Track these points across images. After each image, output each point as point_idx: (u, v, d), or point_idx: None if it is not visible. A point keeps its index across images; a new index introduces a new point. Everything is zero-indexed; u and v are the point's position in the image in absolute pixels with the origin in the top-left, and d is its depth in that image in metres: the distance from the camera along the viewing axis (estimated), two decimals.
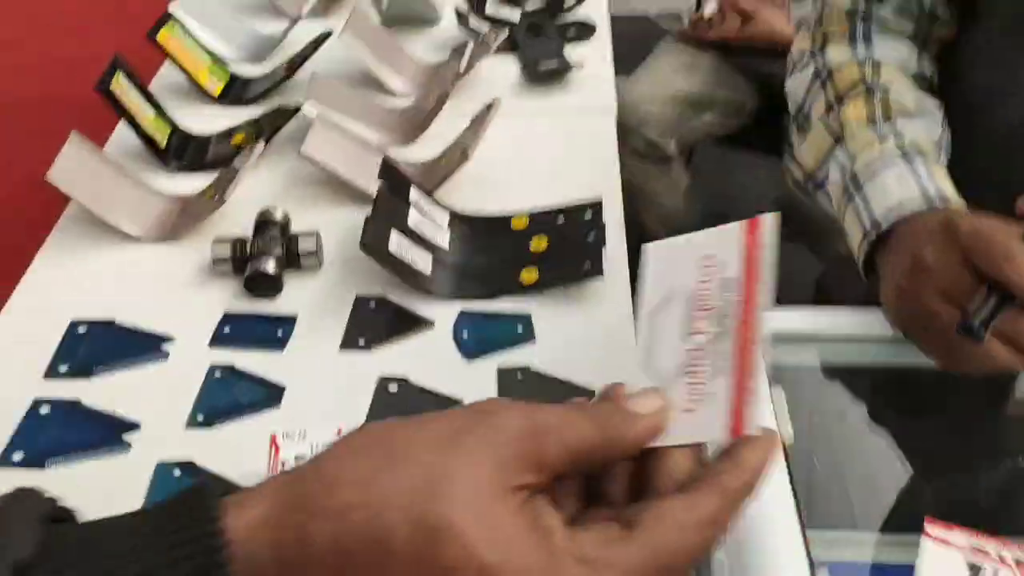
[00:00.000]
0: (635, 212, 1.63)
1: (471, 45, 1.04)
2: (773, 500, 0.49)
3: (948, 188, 0.59)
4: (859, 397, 0.58)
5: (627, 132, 1.50)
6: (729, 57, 1.58)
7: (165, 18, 1.11)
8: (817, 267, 1.40)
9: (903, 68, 0.67)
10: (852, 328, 0.53)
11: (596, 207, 0.91)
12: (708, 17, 1.56)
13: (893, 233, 0.58)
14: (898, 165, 0.59)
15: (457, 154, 0.94)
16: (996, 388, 0.55)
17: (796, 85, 0.73)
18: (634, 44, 2.67)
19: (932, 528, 0.48)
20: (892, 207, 0.58)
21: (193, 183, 1.00)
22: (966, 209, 0.59)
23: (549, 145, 1.06)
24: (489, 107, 0.95)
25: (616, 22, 1.40)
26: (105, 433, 0.75)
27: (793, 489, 0.50)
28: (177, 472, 0.72)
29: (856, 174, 0.62)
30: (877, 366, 0.54)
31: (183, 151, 1.04)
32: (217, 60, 1.16)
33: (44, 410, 0.77)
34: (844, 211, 0.63)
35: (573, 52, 1.19)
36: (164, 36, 1.09)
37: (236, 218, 0.93)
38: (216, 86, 1.13)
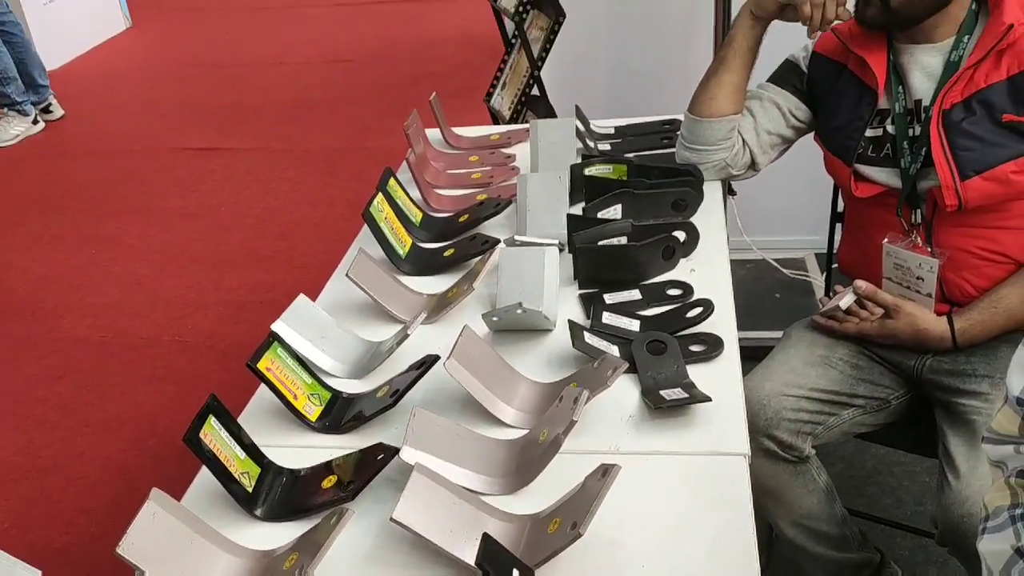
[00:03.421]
0: (766, 514, 1.46)
1: (586, 393, 0.94)
2: None
3: None
4: None
5: (756, 432, 1.36)
6: (869, 349, 1.44)
7: (269, 342, 1.07)
8: None
9: None
10: None
11: None
12: (845, 308, 1.44)
13: None
14: None
15: (567, 526, 0.82)
16: None
17: (992, 553, 0.60)
18: (756, 290, 2.59)
19: None
20: None
21: (279, 533, 0.92)
22: None
23: (672, 498, 0.93)
24: (606, 471, 0.84)
25: (734, 266, 1.31)
26: None
27: None
28: None
29: None
30: None
31: (271, 492, 0.97)
32: (318, 380, 1.11)
33: None
34: None
35: (697, 373, 1.09)
36: (265, 363, 1.05)
37: None
38: (314, 410, 1.08)
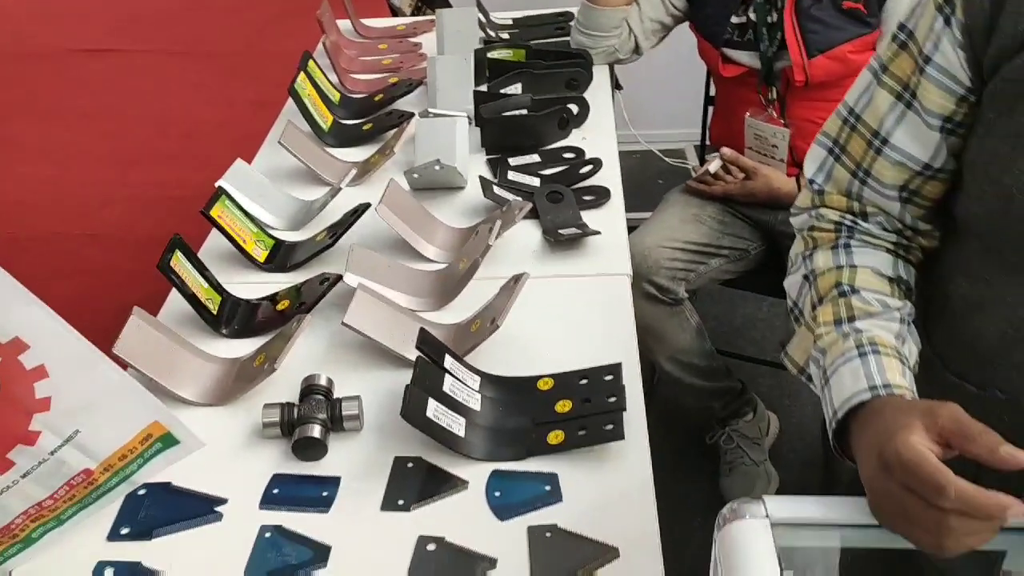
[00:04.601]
0: (648, 351, 1.71)
1: (498, 221, 1.14)
2: None
3: (896, 378, 0.66)
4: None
5: (639, 279, 1.59)
6: (733, 207, 1.69)
7: (218, 193, 1.22)
8: None
9: (878, 272, 0.76)
10: (847, 517, 0.60)
11: (616, 370, 0.99)
12: (713, 172, 1.67)
13: (853, 419, 0.66)
14: (854, 361, 0.68)
15: (487, 323, 1.03)
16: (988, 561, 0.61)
17: (791, 284, 0.83)
18: (643, 178, 2.84)
19: None
20: (845, 399, 0.66)
21: (243, 347, 1.09)
22: (913, 392, 0.66)
23: (570, 308, 1.14)
24: (517, 279, 1.05)
25: (623, 156, 1.51)
26: None
27: None
28: None
29: (825, 369, 0.70)
30: (872, 547, 0.61)
31: (233, 316, 1.14)
32: (262, 229, 1.27)
33: (107, 572, 0.83)
34: (821, 398, 0.71)
35: (590, 216, 1.30)
36: (217, 211, 1.20)
37: (283, 382, 1.01)
38: (261, 253, 1.24)
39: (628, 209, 1.37)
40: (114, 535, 0.87)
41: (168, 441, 0.85)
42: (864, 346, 0.68)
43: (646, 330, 1.65)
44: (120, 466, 0.84)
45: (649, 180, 2.82)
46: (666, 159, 2.87)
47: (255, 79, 3.71)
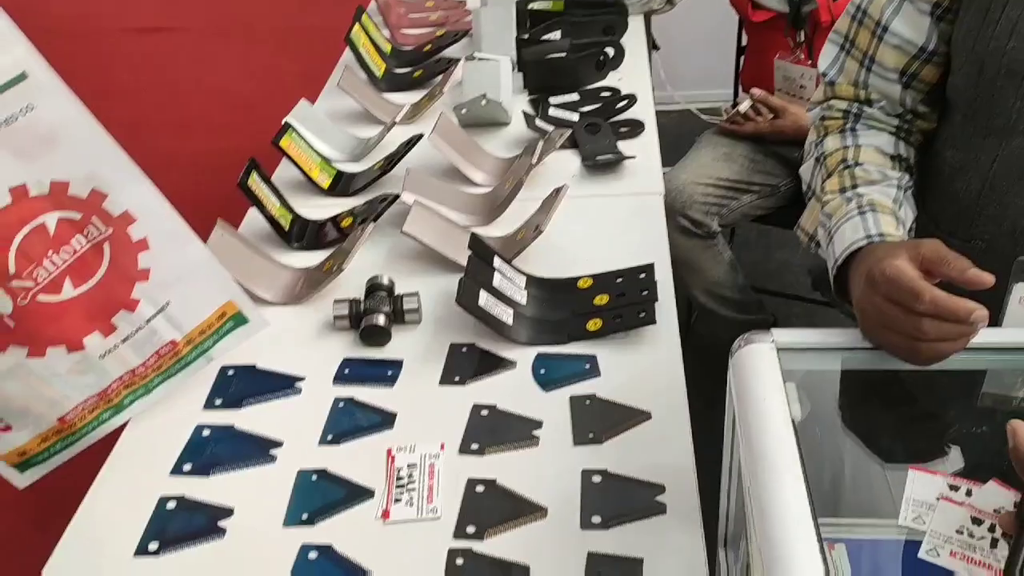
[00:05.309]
0: (683, 284, 1.80)
1: (541, 143, 1.25)
2: (786, 483, 0.64)
3: (890, 229, 0.76)
4: (846, 395, 0.74)
5: (674, 213, 1.69)
6: (763, 146, 1.78)
7: (285, 127, 1.34)
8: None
9: (880, 151, 0.86)
10: (843, 342, 0.70)
11: (649, 268, 1.09)
12: (743, 113, 1.76)
13: (850, 264, 0.76)
14: (854, 219, 0.78)
15: (531, 230, 1.14)
16: (970, 382, 0.70)
17: (805, 169, 0.93)
18: (678, 136, 2.93)
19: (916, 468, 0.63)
20: (846, 247, 0.76)
21: (311, 259, 1.21)
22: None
23: (607, 223, 1.25)
24: (558, 191, 1.15)
25: (661, 116, 1.60)
26: (255, 449, 0.94)
27: (803, 464, 0.65)
28: (314, 477, 0.90)
29: (830, 229, 0.80)
30: (862, 370, 0.71)
31: (302, 234, 1.26)
32: (325, 160, 1.39)
33: (205, 432, 0.96)
34: (826, 256, 0.81)
35: (625, 146, 1.40)
36: (285, 142, 1.32)
37: (349, 284, 1.13)
38: (325, 181, 1.36)
39: (664, 164, 1.47)
40: (209, 405, 1.00)
41: (239, 320, 0.98)
42: (864, 207, 0.78)
43: (681, 263, 1.75)
44: (199, 340, 0.96)
45: (685, 137, 2.89)
46: (702, 116, 2.95)
47: (300, 53, 3.86)
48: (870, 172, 0.83)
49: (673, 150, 1.90)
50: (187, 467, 0.92)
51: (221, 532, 0.85)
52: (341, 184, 1.37)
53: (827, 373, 0.72)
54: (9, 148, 0.76)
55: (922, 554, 0.60)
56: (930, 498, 0.63)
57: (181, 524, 0.86)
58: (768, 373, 0.67)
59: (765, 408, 0.64)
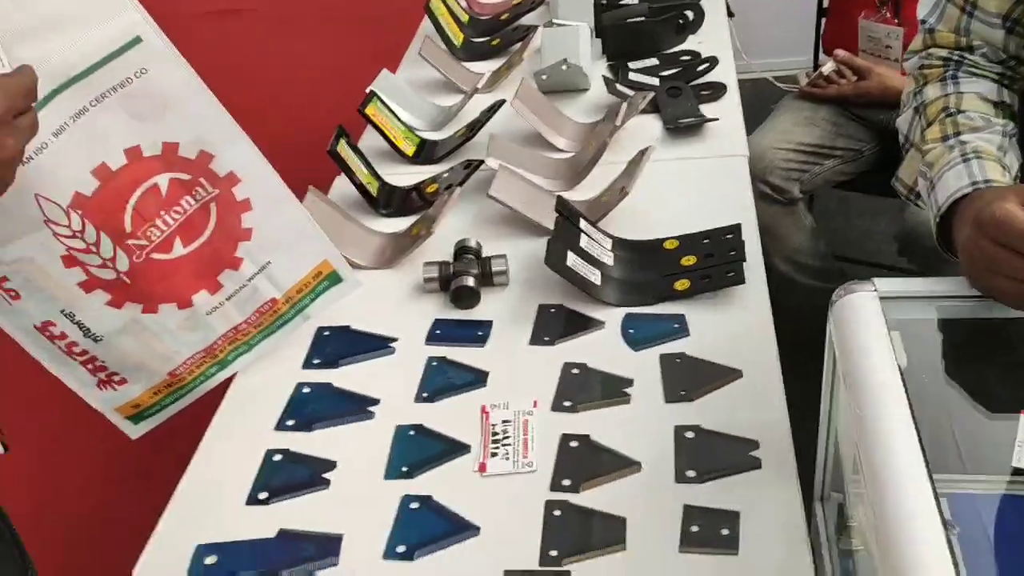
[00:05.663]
0: (763, 252, 1.78)
1: (623, 106, 1.25)
2: (897, 432, 0.64)
3: (996, 175, 0.74)
4: (949, 345, 0.73)
5: (755, 179, 1.67)
6: (846, 109, 1.74)
7: (370, 96, 1.37)
8: None
9: (983, 97, 0.84)
10: (946, 290, 0.70)
11: (736, 229, 1.09)
12: (826, 75, 1.73)
13: (954, 213, 0.75)
14: (958, 166, 0.76)
15: (617, 191, 1.14)
16: None
17: (903, 120, 0.92)
18: (757, 104, 2.89)
19: None
20: (949, 194, 0.75)
21: (399, 224, 1.24)
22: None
23: (691, 186, 1.24)
24: (644, 152, 1.16)
25: (739, 84, 1.59)
26: (354, 406, 0.97)
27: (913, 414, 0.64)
28: (412, 432, 0.93)
29: (932, 179, 0.79)
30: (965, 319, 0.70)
31: (389, 201, 1.29)
32: (409, 128, 1.41)
33: (306, 390, 1.00)
34: (927, 207, 0.80)
35: (707, 110, 1.39)
36: (371, 110, 1.35)
37: (437, 248, 1.16)
38: (410, 148, 1.38)
39: None
40: (307, 364, 1.03)
41: (334, 279, 1.00)
42: (968, 154, 0.77)
43: (762, 230, 1.72)
44: (297, 299, 1.00)
45: (762, 106, 2.85)
46: (779, 85, 2.90)
47: (371, 34, 3.91)
48: (973, 119, 0.81)
49: (749, 119, 1.87)
50: (290, 423, 0.96)
51: (326, 483, 0.89)
52: (425, 152, 1.39)
53: (929, 322, 0.71)
54: (125, 110, 0.80)
55: None
56: None
57: (287, 475, 0.90)
58: (872, 321, 0.67)
59: (872, 357, 0.64)
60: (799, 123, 1.73)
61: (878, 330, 0.66)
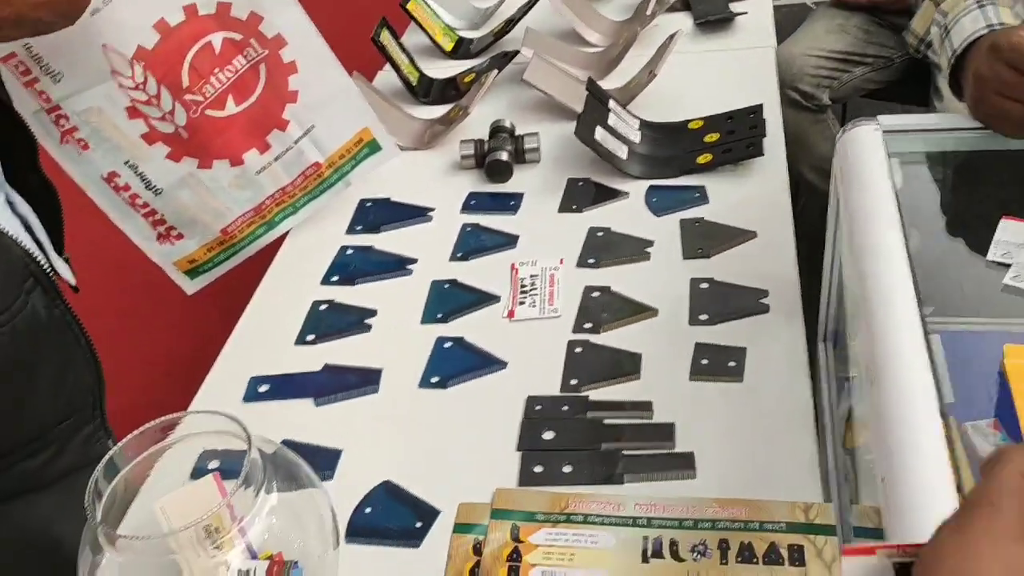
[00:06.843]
0: (792, 160, 1.82)
1: (653, 2, 1.29)
2: (890, 270, 0.70)
3: (1009, 19, 0.78)
4: (950, 179, 0.78)
5: (784, 86, 1.70)
6: (879, 16, 1.76)
7: None
8: None
9: None
10: (947, 124, 0.74)
11: (758, 108, 1.14)
12: None
13: (967, 55, 0.78)
14: (974, 11, 0.80)
15: (645, 75, 1.19)
16: None
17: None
18: (787, 20, 2.89)
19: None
20: (965, 37, 0.79)
21: (437, 112, 1.30)
22: None
23: (719, 77, 1.29)
24: (672, 36, 1.20)
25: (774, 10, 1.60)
26: (393, 264, 1.04)
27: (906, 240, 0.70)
28: (447, 285, 1.00)
29: (946, 26, 0.83)
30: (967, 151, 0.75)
31: (428, 90, 1.35)
32: (448, 26, 1.47)
33: (349, 251, 1.07)
34: (940, 55, 0.83)
35: (736, 6, 1.43)
36: (412, 5, 1.40)
37: (473, 132, 1.22)
38: (449, 44, 1.44)
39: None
40: (351, 230, 1.11)
41: (374, 147, 1.07)
42: (984, 1, 0.80)
43: (790, 138, 1.75)
44: (339, 164, 1.06)
45: (796, 26, 2.86)
46: (812, 6, 2.89)
47: None
48: None
49: (784, 36, 1.90)
50: (335, 278, 1.04)
51: (367, 327, 0.96)
52: (463, 46, 1.45)
53: (932, 155, 0.76)
54: None
55: (1007, 280, 0.65)
56: (1019, 239, 0.67)
57: (332, 321, 0.98)
58: (874, 153, 0.72)
59: (869, 185, 0.69)
60: (831, 30, 1.75)
61: (878, 160, 0.71)
